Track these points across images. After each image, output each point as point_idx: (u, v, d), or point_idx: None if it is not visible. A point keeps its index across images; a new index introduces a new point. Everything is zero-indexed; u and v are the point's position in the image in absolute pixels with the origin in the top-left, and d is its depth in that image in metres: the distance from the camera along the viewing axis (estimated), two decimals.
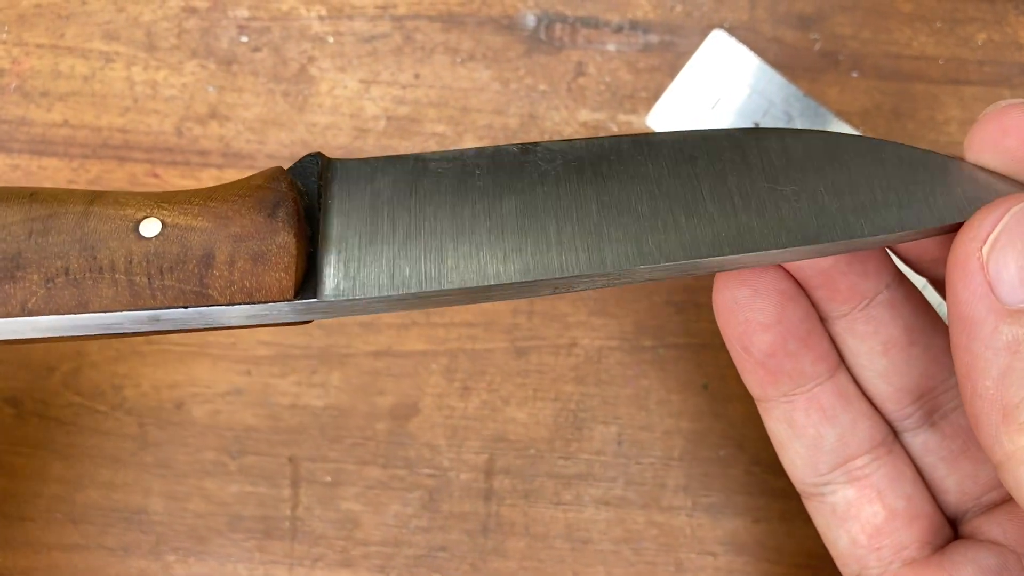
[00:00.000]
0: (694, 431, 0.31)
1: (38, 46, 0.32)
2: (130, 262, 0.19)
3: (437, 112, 0.32)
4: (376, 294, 0.19)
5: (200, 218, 0.19)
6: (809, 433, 0.23)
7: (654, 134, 0.21)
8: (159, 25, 0.32)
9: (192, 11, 0.32)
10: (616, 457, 0.31)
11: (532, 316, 0.31)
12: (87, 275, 0.19)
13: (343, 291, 0.19)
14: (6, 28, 0.32)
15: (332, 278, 0.19)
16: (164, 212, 0.19)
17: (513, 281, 0.19)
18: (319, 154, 0.20)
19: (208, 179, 0.32)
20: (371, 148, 0.32)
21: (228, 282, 0.19)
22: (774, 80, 0.32)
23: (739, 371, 0.23)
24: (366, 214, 0.20)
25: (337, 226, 0.20)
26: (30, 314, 0.19)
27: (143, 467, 0.31)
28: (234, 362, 0.31)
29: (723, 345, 0.31)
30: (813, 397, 0.23)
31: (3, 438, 0.31)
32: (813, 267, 0.22)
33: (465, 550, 0.31)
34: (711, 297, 0.30)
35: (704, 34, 0.31)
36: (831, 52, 0.32)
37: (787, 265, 0.22)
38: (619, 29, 0.32)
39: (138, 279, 0.19)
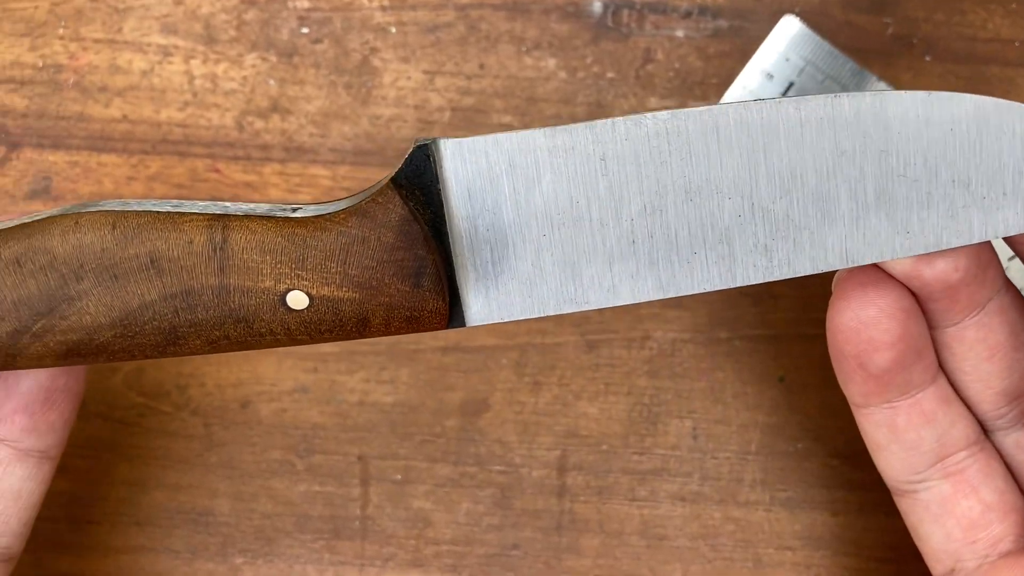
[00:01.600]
0: (770, 424, 0.32)
1: (95, 41, 0.33)
2: (288, 327, 0.21)
3: (503, 103, 0.33)
4: (517, 317, 0.21)
5: (344, 289, 0.21)
6: (909, 437, 0.24)
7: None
8: (218, 18, 0.33)
9: (251, 3, 0.33)
10: (691, 452, 0.32)
11: (602, 310, 0.32)
12: (249, 339, 0.22)
13: (486, 316, 0.22)
14: (63, 23, 0.33)
15: (475, 304, 0.21)
16: (304, 283, 0.21)
17: (650, 300, 0.21)
18: (427, 146, 0.21)
19: (270, 173, 0.33)
20: None
21: (385, 333, 0.22)
22: (846, 66, 0.32)
23: (842, 381, 0.24)
24: (490, 219, 0.21)
25: (466, 238, 0.21)
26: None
27: (209, 468, 0.32)
28: (300, 359, 0.32)
29: (799, 336, 0.32)
30: (916, 402, 0.23)
31: (68, 441, 0.32)
32: (938, 281, 0.22)
33: (539, 548, 0.32)
34: (788, 287, 0.31)
35: (775, 19, 0.32)
36: (904, 36, 0.33)
37: (905, 277, 0.22)
38: (687, 15, 0.33)
39: (300, 337, 0.22)
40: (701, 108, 0.20)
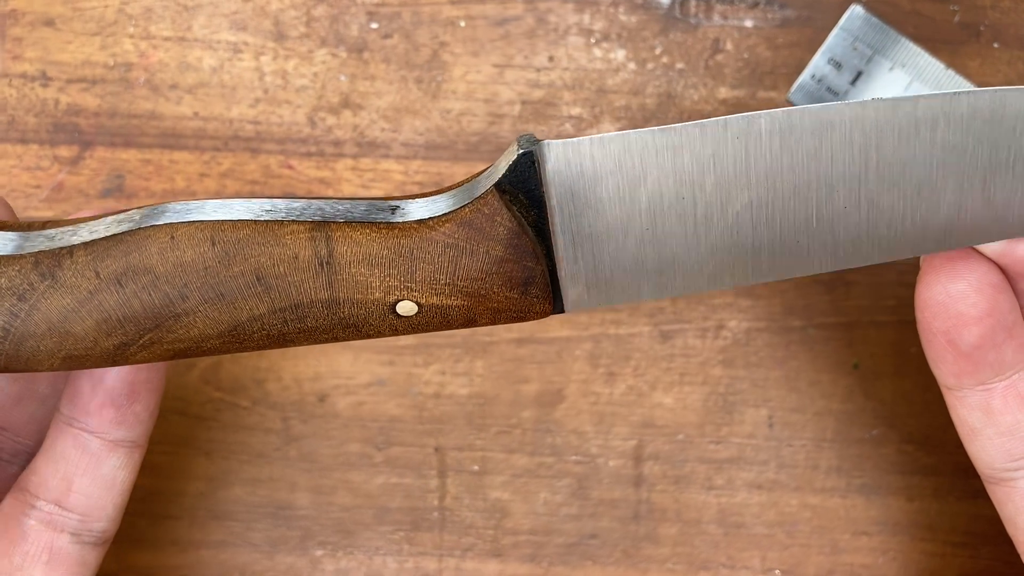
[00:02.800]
0: (845, 411, 0.33)
1: (165, 39, 0.34)
2: (396, 329, 0.23)
3: (573, 95, 0.34)
4: (614, 303, 0.22)
5: (453, 298, 0.22)
6: (1006, 420, 0.24)
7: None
8: (287, 14, 0.34)
9: None
10: (767, 440, 0.33)
11: (676, 300, 0.33)
12: (356, 339, 0.23)
13: (583, 303, 0.23)
14: (133, 22, 0.34)
15: (573, 292, 0.22)
16: (413, 294, 0.22)
17: (747, 284, 0.22)
18: (531, 153, 0.22)
19: (343, 169, 0.34)
20: (507, 133, 0.34)
21: (490, 325, 0.23)
22: (914, 53, 0.34)
23: (932, 361, 0.25)
24: (593, 216, 0.22)
25: (568, 234, 0.22)
26: None
27: (287, 461, 0.33)
28: (376, 353, 0.33)
29: (873, 323, 0.33)
30: (1012, 384, 0.24)
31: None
32: None
33: (616, 537, 0.33)
34: (861, 274, 0.32)
35: (842, 8, 0.33)
36: (971, 23, 0.34)
37: (996, 256, 0.23)
38: (755, 5, 0.34)
39: (407, 334, 0.23)
40: (817, 106, 0.21)
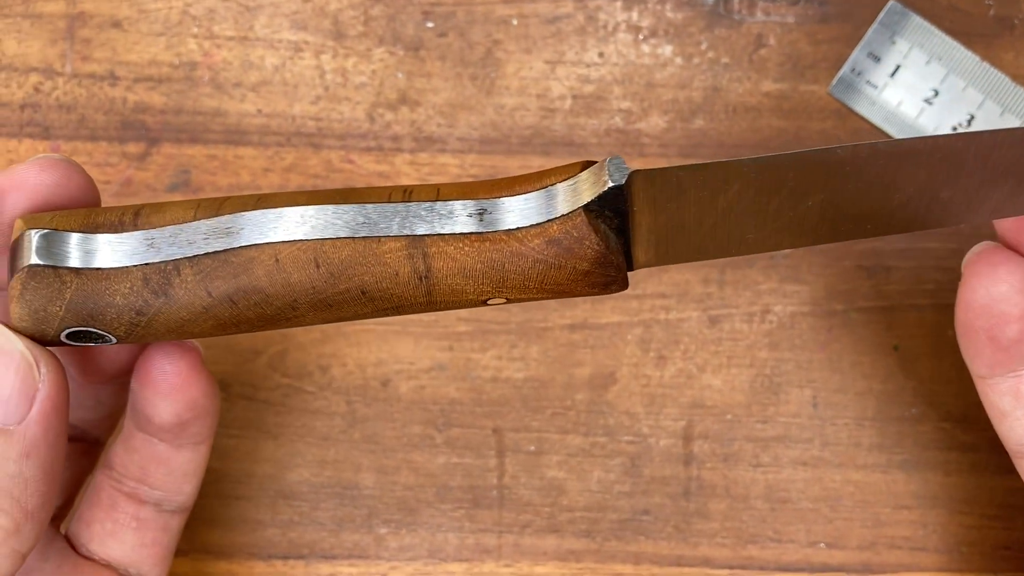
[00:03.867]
0: (886, 391, 0.35)
1: (228, 38, 0.36)
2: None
3: (622, 89, 0.36)
4: (678, 263, 0.24)
5: (540, 294, 0.25)
6: None
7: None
8: (345, 14, 0.36)
9: None
10: (812, 419, 0.35)
11: (723, 286, 0.35)
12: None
13: (650, 264, 0.25)
14: (196, 22, 0.36)
15: (642, 258, 0.24)
16: (504, 294, 0.25)
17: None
18: (621, 187, 0.23)
19: (401, 163, 0.36)
20: (559, 127, 0.36)
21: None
22: (950, 47, 0.36)
23: (969, 355, 0.27)
24: (673, 215, 0.24)
25: (647, 228, 0.24)
26: None
27: (352, 443, 0.36)
28: (435, 339, 0.36)
29: (912, 307, 0.35)
30: None
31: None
32: None
33: (668, 513, 0.35)
34: (901, 259, 0.35)
35: (880, 4, 0.36)
36: (1006, 17, 0.36)
37: None
38: (796, 2, 0.36)
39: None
40: (894, 140, 0.24)
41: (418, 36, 0.37)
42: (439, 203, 0.24)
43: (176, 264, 0.24)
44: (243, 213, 0.25)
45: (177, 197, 0.37)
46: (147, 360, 0.28)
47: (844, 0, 0.36)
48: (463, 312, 0.36)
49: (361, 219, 0.24)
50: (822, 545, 0.35)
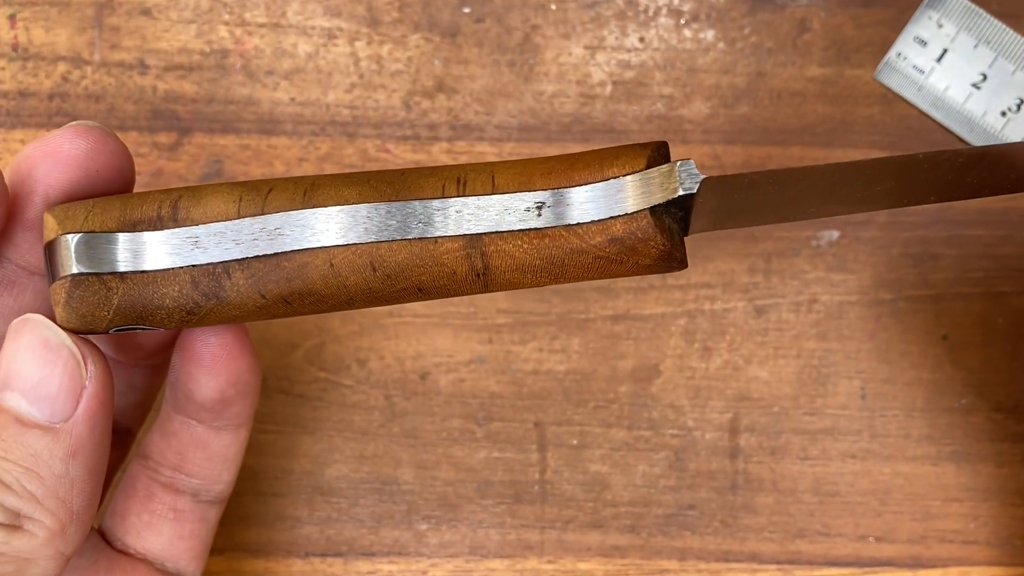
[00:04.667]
0: (935, 381, 0.35)
1: (260, 25, 0.36)
2: None
3: (664, 75, 0.36)
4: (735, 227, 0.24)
5: (596, 280, 0.25)
6: None
7: None
8: (380, 0, 0.36)
9: None
10: (860, 411, 0.35)
11: (769, 275, 0.35)
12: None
13: (704, 230, 0.25)
14: (227, 9, 0.36)
15: (698, 226, 0.24)
16: (562, 282, 0.25)
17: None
18: (690, 198, 0.23)
19: (438, 152, 0.36)
20: (599, 114, 0.36)
21: None
22: (999, 30, 0.36)
23: None
24: (733, 207, 0.24)
25: (711, 214, 0.24)
26: None
27: (391, 438, 0.35)
28: (475, 331, 0.36)
29: (960, 295, 0.35)
30: None
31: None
32: None
33: (714, 508, 0.35)
34: (947, 247, 0.34)
35: None
36: None
37: None
38: None
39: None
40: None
41: (454, 22, 0.36)
42: (496, 197, 0.24)
43: (225, 266, 0.24)
44: (291, 213, 0.24)
45: None
46: (191, 333, 0.27)
47: None
48: (503, 303, 0.36)
49: (416, 218, 0.24)
50: (871, 539, 0.35)
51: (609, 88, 0.36)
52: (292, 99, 0.36)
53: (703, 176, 0.23)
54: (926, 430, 0.35)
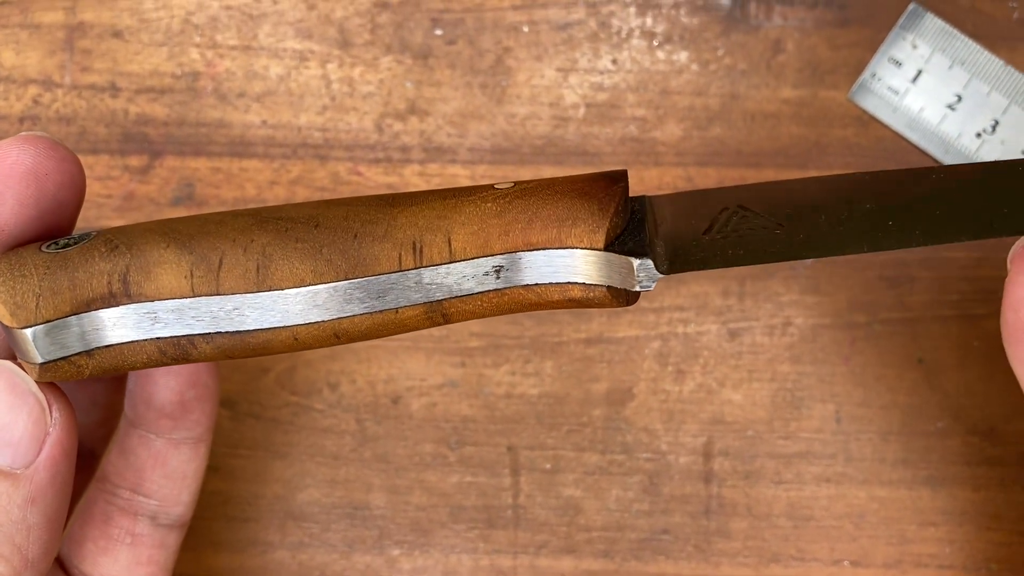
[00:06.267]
0: (911, 405, 0.36)
1: (231, 48, 0.37)
2: None
3: (636, 97, 0.37)
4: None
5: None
6: None
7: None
8: (351, 21, 0.37)
9: (384, 6, 0.37)
10: (835, 434, 0.36)
11: (743, 297, 0.36)
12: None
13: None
14: (199, 31, 0.37)
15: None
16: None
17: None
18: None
19: (411, 174, 0.37)
20: (572, 136, 0.37)
21: None
22: (973, 51, 0.36)
23: (1017, 359, 0.27)
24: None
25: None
26: None
27: (363, 463, 0.36)
28: (447, 355, 0.36)
29: (936, 318, 0.36)
30: None
31: (220, 440, 0.36)
32: None
33: (688, 532, 0.36)
34: (924, 270, 0.35)
35: (901, 8, 0.36)
36: None
37: None
38: (814, 5, 0.37)
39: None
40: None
41: (427, 44, 0.37)
42: (454, 265, 0.24)
43: (190, 339, 0.25)
44: (248, 295, 0.24)
45: (181, 211, 0.37)
46: None
47: (864, 4, 0.37)
48: (475, 327, 0.37)
49: (375, 293, 0.24)
50: (846, 563, 0.36)
51: (582, 110, 0.37)
52: (264, 121, 0.37)
53: (660, 275, 0.24)
54: (902, 454, 0.36)
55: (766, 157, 0.37)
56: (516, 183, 0.25)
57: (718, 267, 0.24)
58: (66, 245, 0.25)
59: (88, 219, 0.37)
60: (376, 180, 0.37)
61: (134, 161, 0.37)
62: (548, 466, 0.36)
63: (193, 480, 0.31)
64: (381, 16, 0.37)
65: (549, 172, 0.37)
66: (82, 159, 0.36)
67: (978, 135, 0.36)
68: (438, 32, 0.37)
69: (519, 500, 0.36)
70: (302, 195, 0.37)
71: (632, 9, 0.37)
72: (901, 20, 0.37)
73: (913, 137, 0.37)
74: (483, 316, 0.25)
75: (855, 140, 0.37)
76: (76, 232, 0.26)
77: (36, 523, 0.25)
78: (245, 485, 0.37)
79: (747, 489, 0.36)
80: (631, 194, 0.25)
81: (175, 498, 0.30)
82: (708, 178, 0.37)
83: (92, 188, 0.37)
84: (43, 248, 0.25)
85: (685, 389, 0.36)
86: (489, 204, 0.24)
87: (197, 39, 0.37)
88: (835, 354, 0.36)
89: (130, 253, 0.24)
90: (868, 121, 0.37)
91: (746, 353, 0.36)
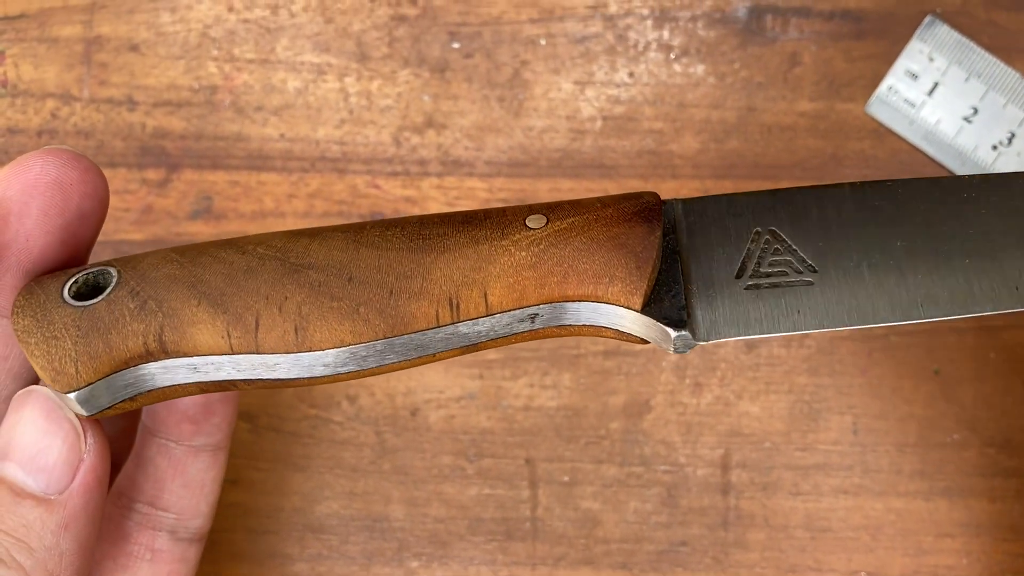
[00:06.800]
0: (927, 416, 0.36)
1: (248, 61, 0.37)
2: None
3: (653, 110, 0.37)
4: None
5: None
6: None
7: None
8: (369, 35, 0.37)
9: (402, 19, 0.37)
10: (852, 446, 0.36)
11: None
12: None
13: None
14: (216, 45, 0.37)
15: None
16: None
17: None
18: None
19: (428, 187, 0.37)
20: (589, 149, 0.37)
21: None
22: (990, 63, 0.37)
23: None
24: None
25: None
26: None
27: (382, 475, 0.37)
28: (465, 367, 0.37)
29: (952, 330, 0.36)
30: None
31: (241, 454, 0.37)
32: None
33: (706, 544, 0.36)
34: None
35: (917, 20, 0.37)
36: None
37: None
38: (831, 17, 0.37)
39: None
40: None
41: (444, 57, 0.38)
42: (492, 317, 0.25)
43: (232, 382, 0.25)
44: (288, 355, 0.24)
45: (199, 225, 0.38)
46: None
47: (880, 16, 0.37)
48: None
49: (413, 347, 0.25)
50: (863, 574, 0.36)
51: (599, 123, 0.37)
52: (281, 135, 0.38)
53: (697, 343, 0.24)
54: (918, 465, 0.36)
55: (783, 170, 0.37)
56: (548, 217, 0.25)
57: (759, 335, 0.25)
58: (85, 284, 0.25)
59: (106, 232, 0.37)
60: (394, 193, 0.37)
61: (152, 174, 0.38)
62: (566, 478, 0.37)
63: (211, 490, 0.31)
64: (399, 29, 0.38)
65: (567, 185, 0.37)
66: None
67: (994, 147, 0.37)
68: (455, 45, 0.38)
69: (537, 512, 0.37)
70: (320, 208, 0.37)
71: (649, 22, 0.37)
72: (917, 32, 0.37)
73: (929, 150, 0.37)
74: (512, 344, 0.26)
75: (871, 152, 0.37)
76: (90, 264, 0.26)
77: (69, 549, 0.25)
78: (265, 498, 0.37)
79: (765, 501, 0.36)
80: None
81: (194, 509, 0.31)
82: (725, 191, 0.37)
83: (110, 202, 0.38)
84: (65, 295, 0.24)
85: (703, 401, 0.37)
86: (523, 253, 0.24)
87: (215, 52, 0.38)
88: (852, 366, 0.37)
89: (161, 312, 0.24)
90: (884, 134, 0.37)
91: (763, 365, 0.37)
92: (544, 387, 0.37)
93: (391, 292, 0.24)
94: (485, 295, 0.24)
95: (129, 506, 0.30)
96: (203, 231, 0.37)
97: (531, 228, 0.25)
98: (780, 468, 0.37)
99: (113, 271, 0.25)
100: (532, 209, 0.25)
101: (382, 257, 0.24)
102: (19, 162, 0.26)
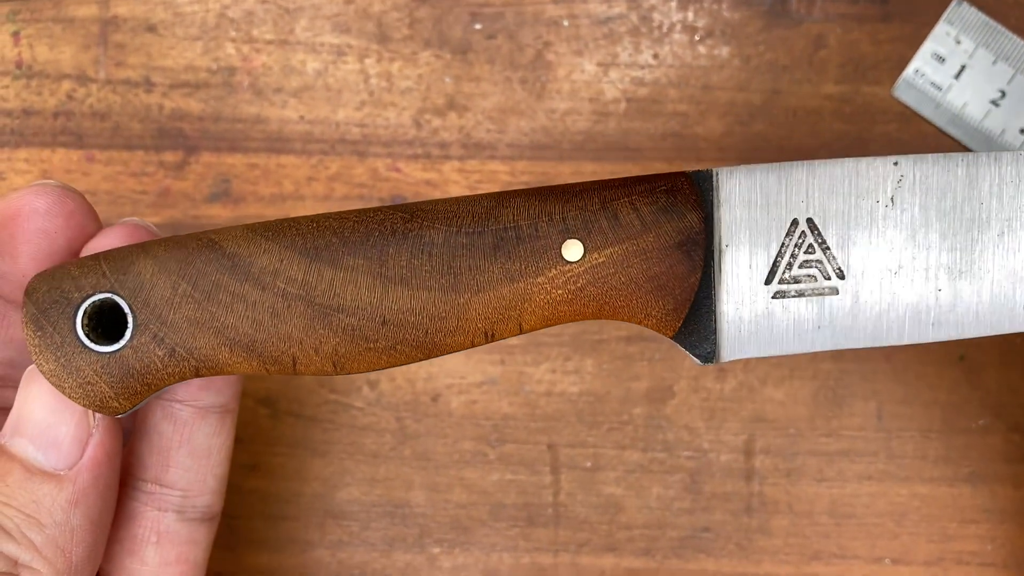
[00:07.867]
0: (952, 402, 0.37)
1: (267, 42, 0.38)
2: None
3: (678, 92, 0.37)
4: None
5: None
6: None
7: None
8: (389, 15, 0.37)
9: (422, 0, 0.37)
10: (877, 432, 0.37)
11: None
12: None
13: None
14: (234, 25, 0.38)
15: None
16: None
17: None
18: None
19: (449, 171, 0.37)
20: (612, 132, 0.37)
21: None
22: (1018, 46, 0.37)
23: None
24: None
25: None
26: None
27: (403, 461, 0.37)
28: (487, 352, 0.37)
29: None
30: None
31: (260, 439, 0.37)
32: None
33: (730, 530, 0.37)
34: None
35: (944, 2, 0.37)
36: None
37: None
38: (856, 0, 0.37)
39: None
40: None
41: (466, 38, 0.38)
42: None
43: None
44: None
45: (217, 208, 0.38)
46: None
47: None
48: None
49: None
50: (887, 561, 0.37)
51: (623, 105, 0.38)
52: (301, 117, 0.38)
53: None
54: (943, 451, 0.37)
55: (808, 153, 0.37)
56: (585, 245, 0.25)
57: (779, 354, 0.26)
58: (94, 314, 0.25)
59: (123, 215, 0.38)
60: (415, 176, 0.37)
61: (169, 157, 0.38)
62: (589, 464, 0.37)
63: (219, 461, 0.30)
64: (420, 10, 0.38)
65: (589, 168, 0.37)
66: (116, 155, 0.37)
67: (1022, 131, 0.37)
68: (477, 26, 0.38)
69: (560, 498, 0.37)
70: (340, 192, 0.38)
71: (673, 3, 0.38)
72: (944, 15, 0.37)
73: (956, 133, 0.37)
74: None
75: (897, 136, 0.37)
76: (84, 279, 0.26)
77: (80, 525, 0.26)
78: (284, 483, 0.37)
79: (788, 487, 0.37)
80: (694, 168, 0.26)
81: (201, 484, 0.29)
82: None
83: (127, 184, 0.38)
84: (79, 334, 0.25)
85: (726, 387, 0.37)
86: (559, 291, 0.25)
87: (233, 33, 0.38)
88: (877, 352, 0.37)
89: (193, 358, 0.25)
90: (910, 117, 0.37)
91: None
92: (566, 372, 0.37)
93: (426, 332, 0.25)
94: (520, 325, 0.25)
95: (133, 485, 0.29)
96: (221, 214, 0.38)
97: (568, 262, 0.25)
98: (804, 454, 0.37)
99: (122, 303, 0.25)
100: (568, 228, 0.25)
101: (414, 298, 0.25)
102: (7, 202, 0.26)
